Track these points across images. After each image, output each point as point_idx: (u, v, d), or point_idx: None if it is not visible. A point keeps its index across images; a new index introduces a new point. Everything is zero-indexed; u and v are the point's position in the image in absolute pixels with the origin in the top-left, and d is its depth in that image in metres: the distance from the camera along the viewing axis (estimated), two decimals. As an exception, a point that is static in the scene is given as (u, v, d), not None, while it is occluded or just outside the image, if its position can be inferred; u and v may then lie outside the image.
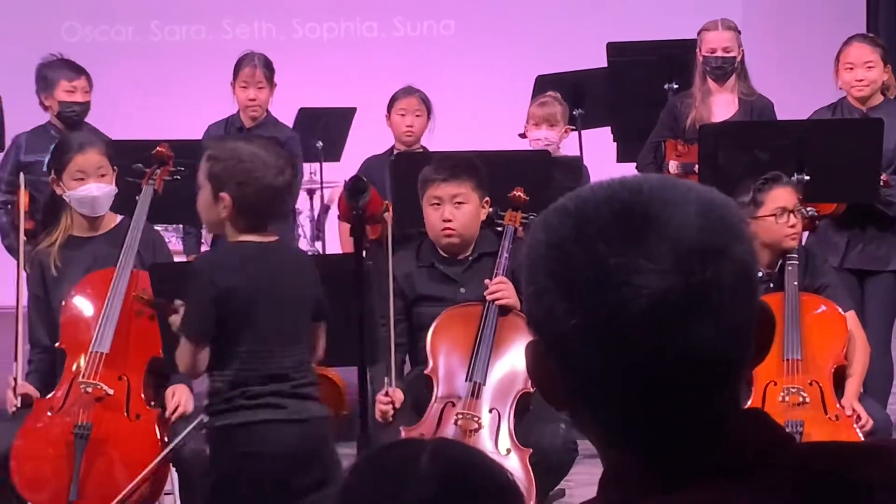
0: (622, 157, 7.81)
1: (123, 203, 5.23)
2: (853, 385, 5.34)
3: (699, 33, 6.98)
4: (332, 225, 8.58)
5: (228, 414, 4.05)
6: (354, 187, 4.74)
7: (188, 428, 4.83)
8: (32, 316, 5.19)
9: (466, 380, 5.19)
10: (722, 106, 6.87)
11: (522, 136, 7.22)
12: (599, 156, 7.53)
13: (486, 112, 9.91)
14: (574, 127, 7.46)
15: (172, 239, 6.61)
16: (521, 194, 5.53)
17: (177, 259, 5.99)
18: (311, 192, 9.34)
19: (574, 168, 6.91)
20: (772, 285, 5.37)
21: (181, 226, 7.33)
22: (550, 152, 6.65)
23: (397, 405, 5.24)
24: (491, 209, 5.45)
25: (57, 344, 5.05)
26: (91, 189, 5.10)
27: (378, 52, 10.72)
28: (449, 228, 5.38)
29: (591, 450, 1.50)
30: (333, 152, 9.10)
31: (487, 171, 5.45)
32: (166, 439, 4.88)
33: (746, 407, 1.42)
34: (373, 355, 5.03)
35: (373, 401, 5.21)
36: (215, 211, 4.03)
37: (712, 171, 5.92)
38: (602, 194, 1.37)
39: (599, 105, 7.73)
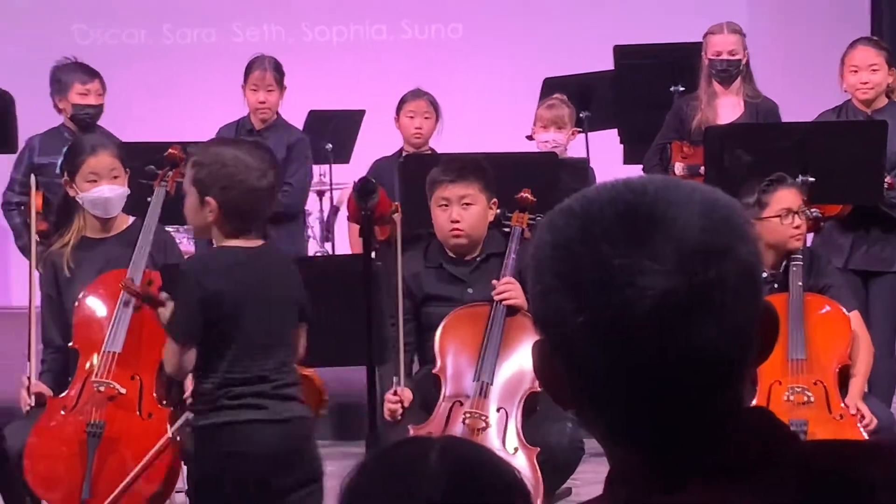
0: (628, 159, 7.82)
1: (136, 204, 5.24)
2: (857, 384, 5.35)
3: (705, 36, 6.98)
4: (342, 226, 8.63)
5: (212, 413, 4.07)
6: (363, 189, 4.78)
7: (175, 424, 4.88)
8: (45, 316, 5.21)
9: (474, 379, 5.20)
10: (727, 108, 6.88)
11: (529, 138, 7.23)
12: (606, 158, 7.54)
13: (494, 114, 9.92)
14: (581, 129, 7.49)
15: (184, 240, 6.64)
16: (528, 196, 5.54)
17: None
18: (320, 194, 9.38)
19: (580, 170, 6.92)
20: (776, 286, 5.38)
21: (192, 227, 7.36)
22: (557, 154, 6.68)
23: (406, 404, 5.25)
24: (498, 210, 5.45)
25: (70, 343, 5.07)
26: (104, 191, 5.12)
27: (387, 54, 10.74)
28: (457, 229, 5.40)
29: (598, 448, 1.51)
30: (343, 154, 9.15)
31: (495, 172, 5.47)
32: (178, 438, 4.92)
33: (751, 405, 1.43)
34: (381, 355, 5.06)
35: (381, 400, 5.25)
36: (202, 215, 4.07)
37: (718, 172, 5.95)
38: (607, 195, 1.37)
39: (606, 107, 7.75)
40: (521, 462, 4.98)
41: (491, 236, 5.49)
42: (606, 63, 7.82)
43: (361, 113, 9.12)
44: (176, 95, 10.48)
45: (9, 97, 7.83)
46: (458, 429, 5.10)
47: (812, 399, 5.23)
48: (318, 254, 9.11)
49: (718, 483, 1.35)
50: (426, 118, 7.24)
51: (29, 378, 5.12)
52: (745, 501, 1.34)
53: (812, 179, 5.83)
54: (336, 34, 10.98)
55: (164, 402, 5.02)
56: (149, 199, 5.29)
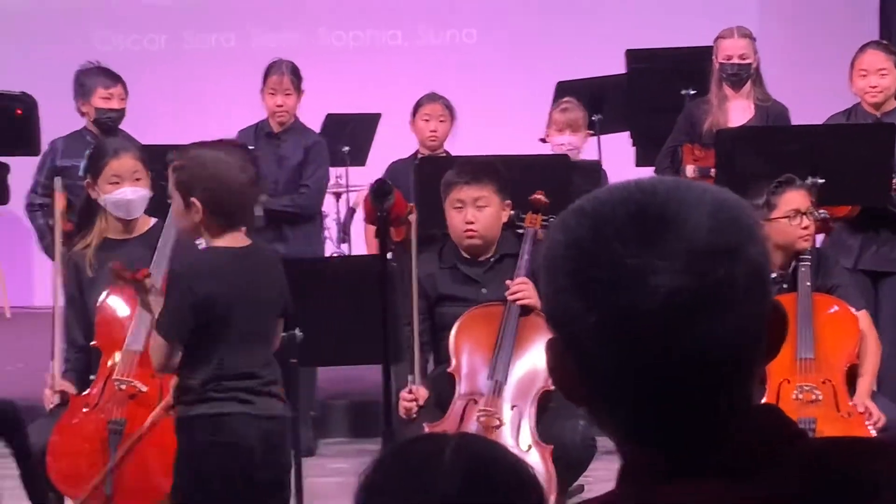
0: (640, 162, 7.87)
1: (157, 206, 5.27)
2: (865, 383, 5.37)
3: (716, 40, 7.02)
4: (358, 227, 8.70)
5: (200, 405, 4.11)
6: (379, 190, 4.87)
7: (153, 413, 4.90)
8: (69, 316, 5.25)
9: (488, 378, 5.23)
10: (738, 111, 6.91)
11: (543, 140, 7.27)
12: (618, 160, 7.56)
13: (507, 117, 9.98)
14: (593, 132, 7.56)
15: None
16: (542, 197, 5.57)
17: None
18: (337, 196, 9.45)
19: (593, 172, 6.94)
20: (785, 286, 5.40)
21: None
22: (570, 157, 6.72)
23: (421, 402, 5.30)
24: (512, 212, 5.49)
25: (92, 343, 5.11)
26: (126, 193, 5.16)
27: (402, 59, 10.80)
28: (471, 230, 5.44)
29: (610, 446, 1.52)
30: (359, 157, 9.21)
31: (508, 174, 5.51)
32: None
33: (761, 403, 1.43)
34: (397, 354, 5.13)
35: (396, 398, 5.29)
36: (189, 217, 4.14)
37: (729, 175, 5.98)
38: (618, 196, 1.38)
39: (618, 110, 7.77)
40: (535, 459, 5.00)
41: (505, 237, 5.53)
42: (619, 67, 7.87)
43: (377, 116, 9.18)
44: (196, 99, 10.55)
45: (32, 100, 7.94)
46: (472, 427, 5.13)
47: (820, 397, 5.25)
48: (335, 254, 9.18)
49: (724, 480, 1.35)
50: (441, 121, 7.30)
51: (53, 377, 5.17)
52: (750, 499, 1.35)
53: (821, 181, 5.88)
54: (353, 39, 11.05)
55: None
56: (170, 201, 5.35)
